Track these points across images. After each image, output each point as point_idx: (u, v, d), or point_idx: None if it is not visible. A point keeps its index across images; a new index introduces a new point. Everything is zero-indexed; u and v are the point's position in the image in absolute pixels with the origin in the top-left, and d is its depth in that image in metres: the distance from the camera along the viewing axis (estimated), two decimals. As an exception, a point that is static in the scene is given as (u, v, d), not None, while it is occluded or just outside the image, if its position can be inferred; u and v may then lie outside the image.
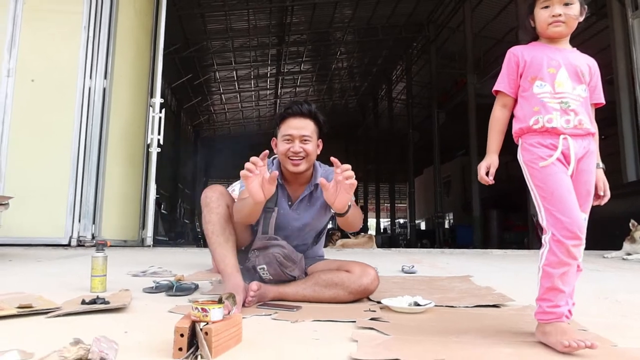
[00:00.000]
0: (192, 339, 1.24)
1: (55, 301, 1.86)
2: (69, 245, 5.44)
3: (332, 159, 1.89)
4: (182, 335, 1.22)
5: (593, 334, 1.58)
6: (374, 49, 20.54)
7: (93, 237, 5.56)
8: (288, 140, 2.08)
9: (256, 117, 27.77)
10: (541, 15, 1.60)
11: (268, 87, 24.19)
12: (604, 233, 6.28)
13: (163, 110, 6.43)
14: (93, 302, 1.84)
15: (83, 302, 1.84)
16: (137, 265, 3.48)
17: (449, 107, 18.94)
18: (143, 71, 6.87)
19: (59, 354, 1.17)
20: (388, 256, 5.27)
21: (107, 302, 1.85)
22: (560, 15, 1.57)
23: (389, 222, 31.31)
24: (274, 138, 2.16)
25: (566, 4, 1.58)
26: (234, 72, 21.55)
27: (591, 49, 15.59)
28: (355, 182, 1.81)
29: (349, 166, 1.81)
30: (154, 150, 6.31)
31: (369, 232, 20.41)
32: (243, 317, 1.49)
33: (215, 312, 1.28)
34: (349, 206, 1.93)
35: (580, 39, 15.31)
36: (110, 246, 2.74)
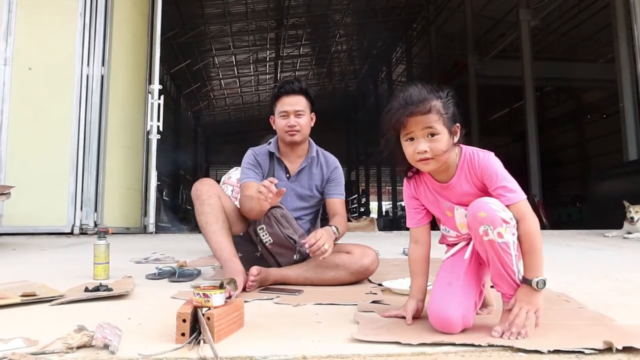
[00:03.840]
0: (195, 324, 1.25)
1: (59, 289, 1.88)
2: (71, 233, 5.46)
3: (303, 242, 2.01)
4: (184, 321, 1.24)
5: (592, 311, 1.59)
6: (373, 31, 20.32)
7: (95, 225, 5.57)
8: (284, 116, 2.30)
9: (256, 102, 27.59)
10: (406, 150, 1.36)
11: (267, 71, 24.00)
12: (606, 212, 6.29)
13: (162, 97, 6.38)
14: (96, 289, 1.86)
15: (86, 290, 1.86)
16: (139, 252, 3.50)
17: (450, 88, 18.77)
18: (141, 57, 6.82)
19: (63, 341, 1.19)
20: (389, 239, 5.29)
21: (110, 289, 1.87)
22: (426, 151, 1.33)
23: (391, 205, 31.33)
24: (271, 116, 2.38)
25: (432, 135, 1.33)
26: (233, 57, 21.36)
27: (592, 27, 15.45)
28: (329, 247, 1.96)
29: (312, 241, 1.93)
30: (154, 137, 6.29)
31: (371, 216, 20.47)
32: (245, 302, 1.50)
33: (217, 297, 1.29)
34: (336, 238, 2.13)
35: (582, 17, 15.20)
36: (113, 233, 2.75)
